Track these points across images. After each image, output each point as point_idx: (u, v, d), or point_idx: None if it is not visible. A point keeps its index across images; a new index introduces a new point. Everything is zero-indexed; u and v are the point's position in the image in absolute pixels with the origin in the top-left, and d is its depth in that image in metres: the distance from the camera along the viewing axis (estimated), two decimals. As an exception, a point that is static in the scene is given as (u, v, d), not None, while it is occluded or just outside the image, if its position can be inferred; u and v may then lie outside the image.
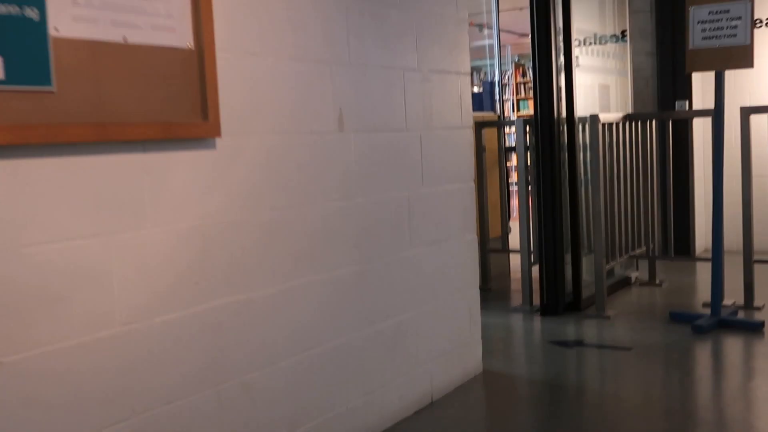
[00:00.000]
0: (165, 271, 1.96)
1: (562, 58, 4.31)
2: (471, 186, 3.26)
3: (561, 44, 4.31)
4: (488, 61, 8.22)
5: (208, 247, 2.08)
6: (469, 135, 3.24)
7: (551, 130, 4.28)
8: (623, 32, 5.62)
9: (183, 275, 2.00)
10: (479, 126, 4.92)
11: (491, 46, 8.21)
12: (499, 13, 5.91)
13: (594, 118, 4.34)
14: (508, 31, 8.07)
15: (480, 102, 5.24)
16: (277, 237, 2.30)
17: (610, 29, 5.39)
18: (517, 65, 11.24)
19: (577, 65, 4.56)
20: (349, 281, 2.59)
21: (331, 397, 2.52)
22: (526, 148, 4.59)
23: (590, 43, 5.18)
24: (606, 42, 5.34)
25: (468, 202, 3.25)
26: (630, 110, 5.41)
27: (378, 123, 2.72)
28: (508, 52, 10.38)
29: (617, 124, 4.66)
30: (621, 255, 4.75)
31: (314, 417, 2.45)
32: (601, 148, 4.37)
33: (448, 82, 3.09)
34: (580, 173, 4.48)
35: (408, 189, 2.88)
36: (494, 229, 5.24)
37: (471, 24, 5.56)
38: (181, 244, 2.00)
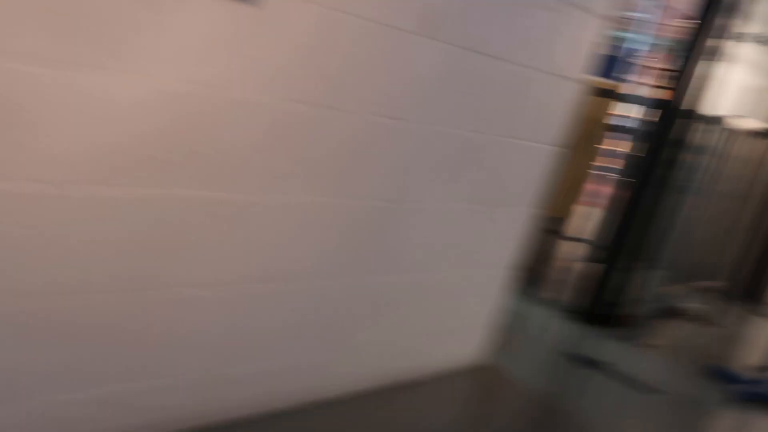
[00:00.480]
0: (120, 133, 1.48)
1: (720, 43, 3.54)
2: (556, 152, 2.68)
3: (725, 24, 3.54)
4: (634, 35, 7.24)
5: (195, 122, 1.59)
6: (577, 92, 2.63)
7: (672, 119, 3.58)
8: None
9: (144, 144, 1.53)
10: (593, 92, 4.23)
11: (643, 21, 7.24)
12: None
13: (720, 119, 3.65)
14: (670, 7, 7.04)
15: (606, 67, 4.48)
16: (290, 137, 1.80)
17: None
18: (667, 49, 9.90)
19: (736, 60, 3.80)
20: (369, 217, 2.10)
21: (293, 344, 2.08)
22: (635, 132, 3.91)
23: (751, 38, 4.38)
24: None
25: (546, 169, 2.68)
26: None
27: (478, 40, 2.13)
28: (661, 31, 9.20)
29: (751, 135, 3.95)
30: (688, 281, 4.15)
31: (265, 360, 2.01)
32: (716, 156, 3.70)
33: (578, 20, 2.46)
34: (684, 177, 3.81)
35: (481, 130, 2.32)
36: (563, 210, 4.62)
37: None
38: (160, 105, 1.52)
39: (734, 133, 3.85)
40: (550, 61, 2.44)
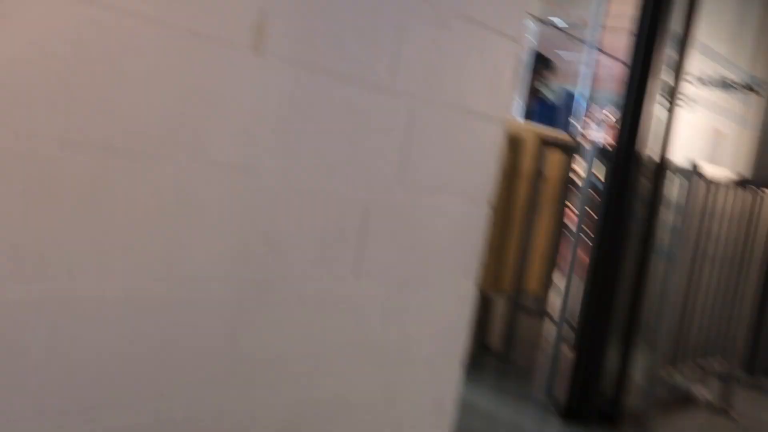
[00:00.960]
0: None
1: (668, 78, 3.10)
2: (484, 210, 2.12)
3: (672, 56, 3.10)
4: (581, 87, 6.85)
5: None
6: (498, 132, 2.10)
7: (628, 170, 3.07)
8: (759, 79, 4.36)
9: None
10: (543, 144, 3.76)
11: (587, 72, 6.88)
12: (604, 27, 4.72)
13: (693, 170, 3.13)
14: (614, 57, 6.71)
15: (551, 115, 4.02)
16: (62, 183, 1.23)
17: (744, 69, 4.16)
18: (614, 96, 9.42)
19: (688, 101, 3.35)
20: (215, 312, 1.50)
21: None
22: (593, 188, 3.38)
23: (711, 81, 3.96)
24: (733, 84, 4.11)
25: (475, 232, 2.11)
26: (748, 172, 4.13)
27: (335, 60, 1.62)
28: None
29: (725, 186, 3.43)
30: (687, 361, 3.50)
31: None
32: (698, 212, 3.16)
33: (482, 41, 1.97)
34: (658, 238, 3.26)
35: (368, 188, 1.77)
36: (534, 283, 4.04)
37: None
38: None
39: (713, 185, 3.33)
40: (456, 93, 1.92)
